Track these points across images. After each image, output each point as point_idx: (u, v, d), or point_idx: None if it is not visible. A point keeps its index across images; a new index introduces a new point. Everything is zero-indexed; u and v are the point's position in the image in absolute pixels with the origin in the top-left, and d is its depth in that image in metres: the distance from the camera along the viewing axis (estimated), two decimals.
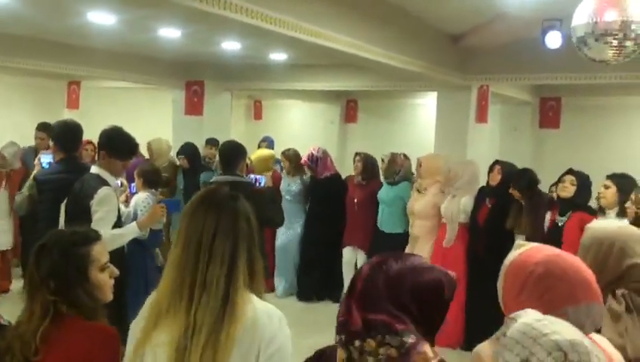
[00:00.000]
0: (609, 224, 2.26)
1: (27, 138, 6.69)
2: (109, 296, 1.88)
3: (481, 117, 6.74)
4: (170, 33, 6.09)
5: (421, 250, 5.08)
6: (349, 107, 11.55)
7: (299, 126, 11.55)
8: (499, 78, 6.54)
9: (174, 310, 1.51)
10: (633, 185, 3.84)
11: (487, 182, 5.07)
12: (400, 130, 10.45)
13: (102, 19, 5.42)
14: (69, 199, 3.32)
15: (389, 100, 10.67)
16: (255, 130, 11.27)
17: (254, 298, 1.56)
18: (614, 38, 3.35)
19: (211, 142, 7.39)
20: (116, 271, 1.92)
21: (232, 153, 4.17)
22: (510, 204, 4.68)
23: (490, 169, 5.07)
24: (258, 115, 12.20)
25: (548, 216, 4.46)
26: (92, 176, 3.30)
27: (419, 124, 10.22)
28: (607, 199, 3.91)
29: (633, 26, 3.32)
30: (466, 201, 4.97)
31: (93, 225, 2.94)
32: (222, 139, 7.85)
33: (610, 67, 3.76)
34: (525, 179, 4.60)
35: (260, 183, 5.03)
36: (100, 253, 1.87)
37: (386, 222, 5.60)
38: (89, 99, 10.49)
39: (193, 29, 5.61)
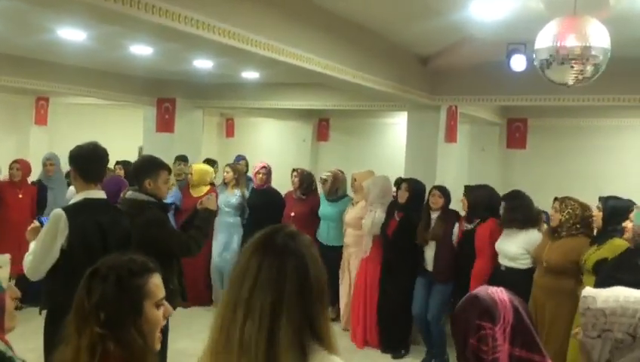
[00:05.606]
0: None
1: None
2: (157, 343, 1.61)
3: (451, 137, 6.85)
4: (141, 50, 6.07)
5: (355, 262, 5.56)
6: (321, 126, 11.63)
7: (271, 144, 11.57)
8: (467, 98, 6.67)
9: None
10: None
11: (397, 199, 5.40)
12: (371, 148, 10.56)
13: (72, 35, 5.38)
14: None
15: (361, 119, 10.78)
16: (227, 147, 11.25)
17: (331, 358, 1.28)
18: (575, 63, 3.48)
19: (181, 158, 7.35)
20: (172, 310, 1.69)
21: (136, 169, 3.69)
22: (417, 218, 5.06)
23: (399, 187, 5.45)
24: (230, 133, 12.19)
25: (456, 228, 4.97)
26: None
27: (390, 142, 10.34)
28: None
29: (593, 52, 3.45)
30: (380, 215, 5.29)
31: None
32: (193, 157, 7.91)
33: (572, 90, 3.88)
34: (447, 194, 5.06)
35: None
36: (157, 286, 1.64)
37: (331, 236, 5.85)
38: (58, 115, 10.34)
39: (165, 46, 5.59)
